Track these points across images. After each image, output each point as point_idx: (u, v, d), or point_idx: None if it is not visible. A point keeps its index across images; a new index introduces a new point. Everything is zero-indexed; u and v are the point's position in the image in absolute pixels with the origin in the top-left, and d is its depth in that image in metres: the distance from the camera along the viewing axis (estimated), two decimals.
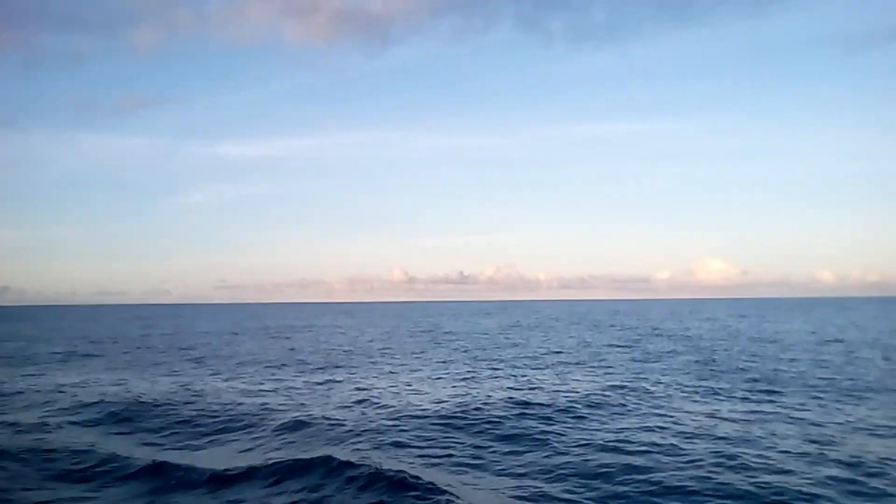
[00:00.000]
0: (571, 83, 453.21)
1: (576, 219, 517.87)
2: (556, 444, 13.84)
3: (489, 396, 19.67)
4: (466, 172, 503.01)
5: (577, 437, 14.47)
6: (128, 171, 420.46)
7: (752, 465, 11.91)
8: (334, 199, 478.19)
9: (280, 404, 19.23)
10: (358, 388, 22.35)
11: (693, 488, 10.70)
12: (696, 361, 30.20)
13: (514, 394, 20.19)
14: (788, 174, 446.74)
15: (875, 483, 10.88)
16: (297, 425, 15.96)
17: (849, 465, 11.88)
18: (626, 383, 22.62)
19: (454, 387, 22.57)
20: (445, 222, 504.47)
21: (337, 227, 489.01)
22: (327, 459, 11.99)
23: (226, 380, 25.71)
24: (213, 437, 15.48)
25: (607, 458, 12.64)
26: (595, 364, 29.87)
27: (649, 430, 15.00)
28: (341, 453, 12.68)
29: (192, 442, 15.11)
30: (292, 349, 41.86)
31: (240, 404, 19.21)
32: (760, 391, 20.80)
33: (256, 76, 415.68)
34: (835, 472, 11.45)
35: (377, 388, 22.28)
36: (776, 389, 21.10)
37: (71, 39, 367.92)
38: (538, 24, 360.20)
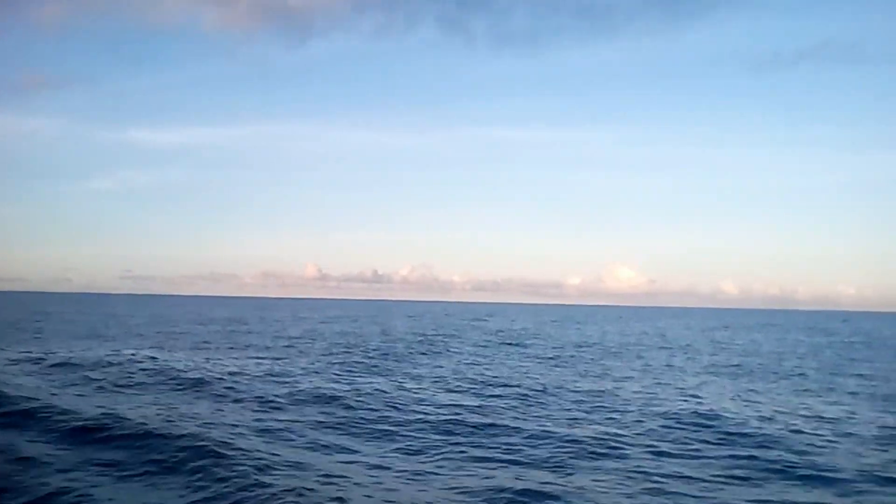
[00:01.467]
0: (492, 86, 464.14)
1: (492, 221, 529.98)
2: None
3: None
4: (385, 169, 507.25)
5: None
6: (30, 153, 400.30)
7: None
8: (249, 192, 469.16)
9: None
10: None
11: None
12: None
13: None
14: (696, 187, 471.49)
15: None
16: None
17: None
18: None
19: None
20: (361, 219, 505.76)
21: (252, 219, 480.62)
22: None
23: None
24: None
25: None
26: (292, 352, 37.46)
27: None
28: None
29: None
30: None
31: None
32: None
33: (172, 61, 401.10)
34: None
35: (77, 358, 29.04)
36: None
37: None
38: (461, 26, 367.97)
